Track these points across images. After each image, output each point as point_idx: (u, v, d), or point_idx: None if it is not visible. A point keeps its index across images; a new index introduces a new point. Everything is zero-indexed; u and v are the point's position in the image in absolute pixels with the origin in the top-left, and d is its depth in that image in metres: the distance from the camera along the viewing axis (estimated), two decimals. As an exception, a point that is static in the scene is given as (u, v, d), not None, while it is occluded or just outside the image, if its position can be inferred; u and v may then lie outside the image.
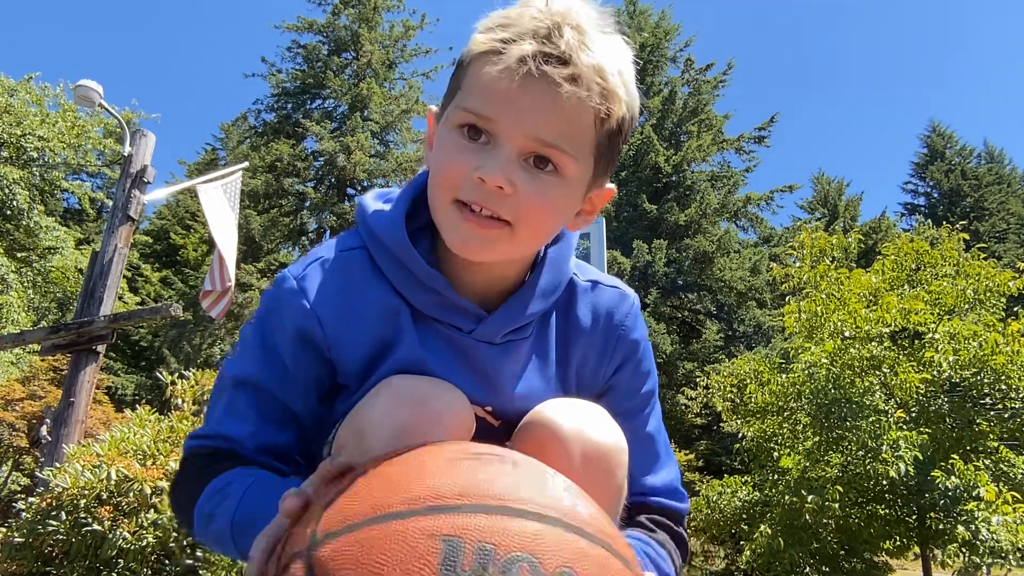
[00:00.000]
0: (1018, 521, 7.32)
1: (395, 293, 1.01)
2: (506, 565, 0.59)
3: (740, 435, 10.21)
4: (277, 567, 0.68)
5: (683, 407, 18.32)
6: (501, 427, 1.07)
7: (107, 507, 3.80)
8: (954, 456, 7.93)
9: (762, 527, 8.96)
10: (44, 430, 6.98)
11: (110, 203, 12.10)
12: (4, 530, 4.21)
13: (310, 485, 0.75)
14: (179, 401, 5.09)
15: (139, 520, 3.77)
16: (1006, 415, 8.46)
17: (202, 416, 4.55)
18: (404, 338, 1.01)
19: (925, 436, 7.93)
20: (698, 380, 12.31)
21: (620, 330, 1.10)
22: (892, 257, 9.98)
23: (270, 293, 1.04)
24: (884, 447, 7.70)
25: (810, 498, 8.29)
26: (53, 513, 3.82)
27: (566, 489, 0.70)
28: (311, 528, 0.66)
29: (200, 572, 3.75)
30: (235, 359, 1.06)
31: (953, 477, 7.54)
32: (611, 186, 1.02)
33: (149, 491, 3.82)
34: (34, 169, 18.29)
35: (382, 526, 0.62)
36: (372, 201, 1.07)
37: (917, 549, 9.08)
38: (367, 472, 0.70)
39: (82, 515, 3.76)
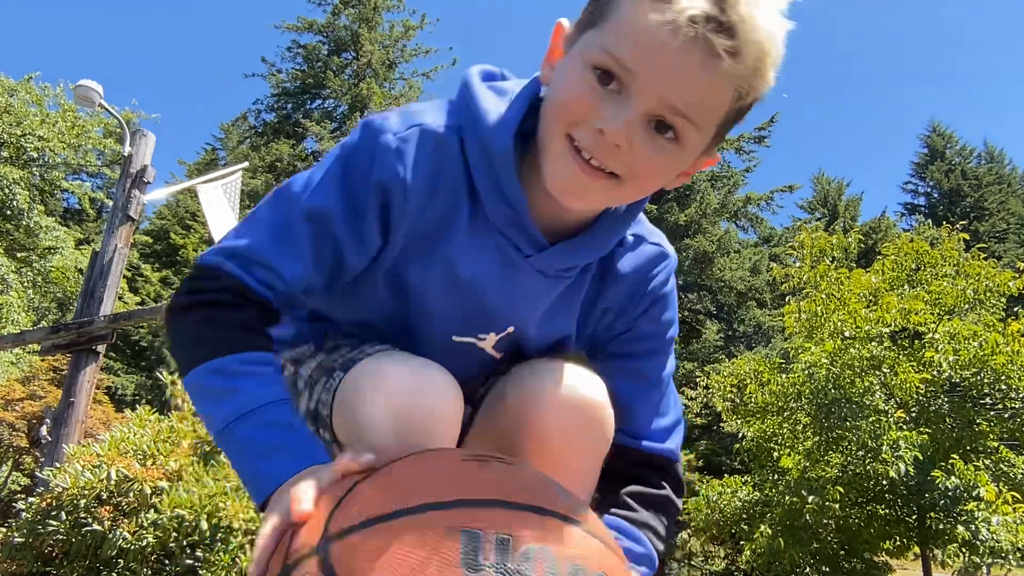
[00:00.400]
0: (1018, 521, 7.32)
1: (470, 190, 0.98)
2: (524, 555, 0.62)
3: (740, 435, 10.21)
4: (282, 563, 0.67)
5: (683, 407, 18.31)
6: (503, 358, 1.12)
7: (107, 507, 3.80)
8: (954, 456, 7.94)
9: (762, 527, 8.96)
10: (44, 430, 6.97)
11: (110, 203, 12.10)
12: (4, 530, 4.21)
13: (321, 482, 0.75)
14: (179, 401, 5.09)
15: (139, 520, 3.77)
16: (1006, 415, 8.46)
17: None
18: (454, 239, 0.99)
19: (925, 436, 7.94)
20: (698, 380, 12.32)
21: (653, 285, 1.12)
22: (892, 257, 9.98)
23: (364, 139, 0.96)
24: (884, 447, 7.70)
25: (810, 498, 8.29)
26: (53, 513, 3.81)
27: (567, 493, 0.74)
28: (320, 525, 0.66)
29: (200, 572, 3.75)
30: (309, 186, 0.97)
31: (953, 477, 7.54)
32: (718, 154, 0.99)
33: (149, 491, 3.82)
34: (34, 169, 18.31)
35: (400, 521, 0.63)
36: (480, 86, 1.00)
37: (917, 549, 9.09)
38: (376, 474, 0.71)
39: (82, 515, 3.76)
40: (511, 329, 1.09)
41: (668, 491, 1.12)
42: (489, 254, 1.00)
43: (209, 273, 0.94)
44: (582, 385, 1.03)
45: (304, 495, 0.71)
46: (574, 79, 0.86)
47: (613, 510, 1.07)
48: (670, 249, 1.14)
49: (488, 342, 1.10)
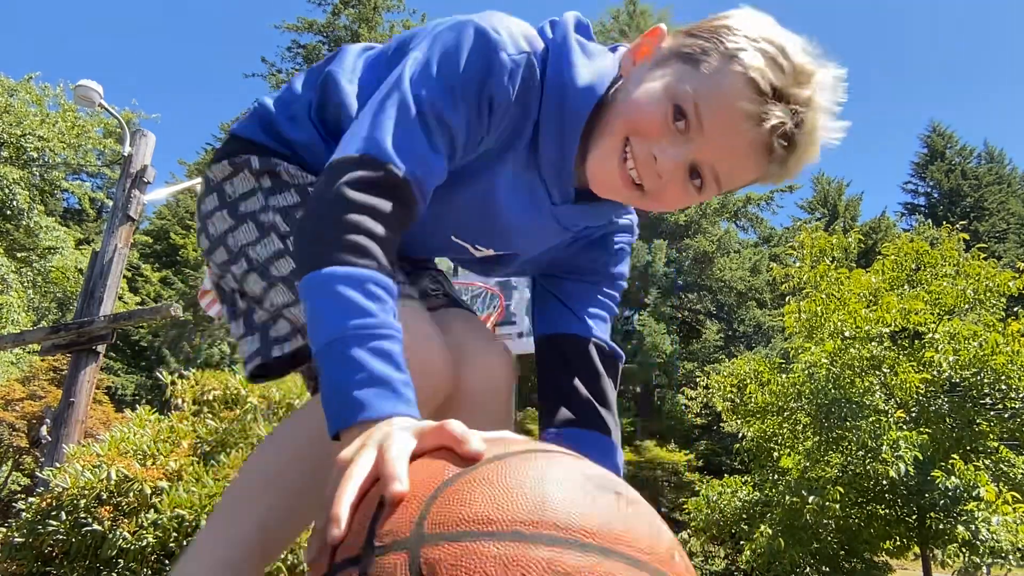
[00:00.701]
0: (1018, 521, 7.32)
1: (535, 128, 1.03)
2: None
3: (740, 435, 10.21)
4: (365, 541, 0.60)
5: (683, 407, 18.32)
6: (486, 260, 1.25)
7: (107, 507, 3.80)
8: (954, 456, 7.94)
9: (762, 527, 8.97)
10: (44, 430, 6.97)
11: (110, 203, 12.11)
12: (4, 530, 4.21)
13: (417, 447, 0.68)
14: (179, 401, 5.09)
15: (139, 520, 3.77)
16: (1006, 415, 8.47)
17: (203, 417, 4.55)
18: (506, 166, 1.06)
19: (925, 436, 7.94)
20: (698, 380, 12.31)
21: (617, 242, 1.30)
22: (892, 257, 9.99)
23: (481, 49, 0.96)
24: (884, 447, 7.70)
25: (810, 498, 8.30)
26: (53, 513, 3.82)
27: (672, 540, 0.67)
28: (414, 516, 0.60)
29: (200, 572, 3.75)
30: (430, 81, 0.94)
31: (953, 477, 7.54)
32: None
33: (149, 491, 3.82)
34: (34, 169, 18.32)
35: (502, 544, 0.57)
36: (575, 40, 1.03)
37: (917, 549, 9.09)
38: (480, 473, 0.63)
39: (82, 515, 3.76)
40: (512, 254, 1.20)
41: (613, 387, 1.25)
42: (526, 190, 1.09)
43: (374, 164, 0.88)
44: (504, 351, 1.20)
45: (401, 471, 0.63)
46: (654, 100, 0.95)
47: (594, 428, 1.17)
48: (636, 226, 1.33)
49: (482, 253, 1.21)
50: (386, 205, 0.87)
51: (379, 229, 0.85)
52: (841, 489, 8.19)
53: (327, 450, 0.83)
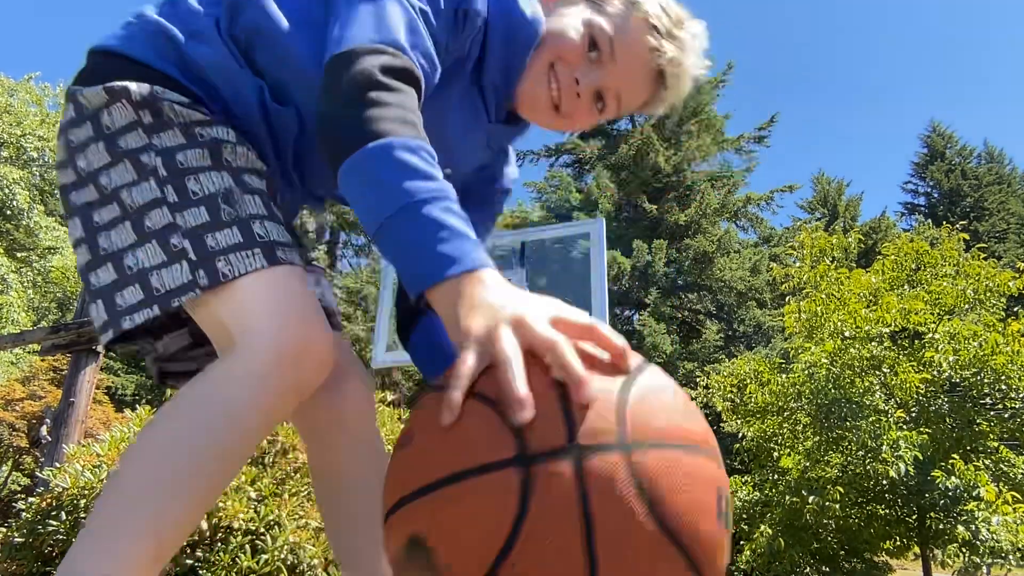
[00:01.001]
0: (1018, 521, 7.32)
1: (482, 49, 1.12)
2: (728, 503, 0.67)
3: (740, 435, 10.21)
4: (566, 433, 0.59)
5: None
6: None
7: (107, 507, 3.80)
8: (954, 456, 7.93)
9: (762, 527, 8.96)
10: (44, 430, 6.97)
11: (110, 203, 12.07)
12: (4, 530, 4.21)
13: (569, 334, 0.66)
14: (179, 401, 5.08)
15: (139, 520, 3.76)
16: (1006, 415, 8.46)
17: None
18: (457, 83, 1.12)
19: (925, 436, 7.93)
20: (698, 380, 12.30)
21: (505, 187, 1.39)
22: (892, 257, 9.98)
23: None
24: (884, 447, 7.70)
25: (810, 498, 8.29)
26: (53, 513, 3.81)
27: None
28: (612, 422, 0.60)
29: (200, 572, 3.75)
30: None
31: (953, 477, 7.53)
32: None
33: (149, 491, 3.81)
34: (34, 169, 18.32)
35: (687, 455, 0.63)
36: None
37: (917, 549, 9.08)
38: (642, 382, 0.66)
39: (82, 515, 3.76)
40: (448, 171, 1.23)
41: None
42: (470, 106, 1.17)
43: (394, 53, 0.87)
44: (363, 372, 1.20)
45: (583, 371, 0.62)
46: (575, 33, 1.10)
47: None
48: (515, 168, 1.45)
49: None
50: (410, 92, 0.86)
51: (411, 108, 0.83)
52: (841, 489, 8.18)
53: (221, 443, 0.81)
